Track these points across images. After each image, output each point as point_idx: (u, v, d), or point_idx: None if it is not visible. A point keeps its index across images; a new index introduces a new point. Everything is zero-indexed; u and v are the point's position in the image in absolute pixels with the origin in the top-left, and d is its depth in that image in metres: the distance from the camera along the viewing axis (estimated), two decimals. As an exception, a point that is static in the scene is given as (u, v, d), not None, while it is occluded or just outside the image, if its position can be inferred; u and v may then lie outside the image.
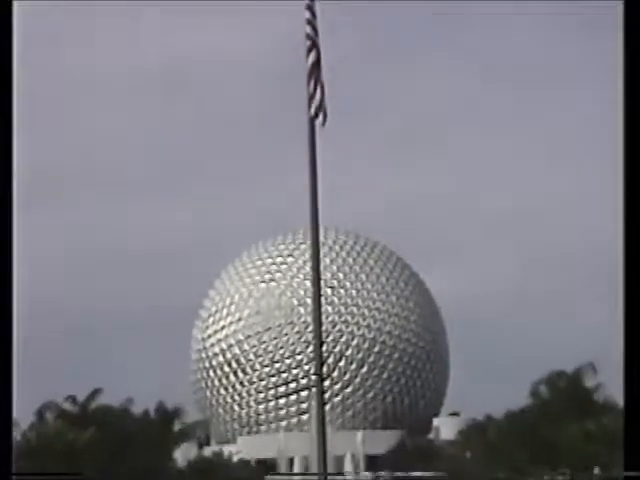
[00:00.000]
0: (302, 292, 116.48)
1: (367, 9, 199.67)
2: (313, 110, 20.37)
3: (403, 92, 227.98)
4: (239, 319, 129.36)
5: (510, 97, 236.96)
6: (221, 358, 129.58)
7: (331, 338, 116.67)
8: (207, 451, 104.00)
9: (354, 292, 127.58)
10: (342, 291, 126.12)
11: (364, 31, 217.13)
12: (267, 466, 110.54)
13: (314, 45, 20.87)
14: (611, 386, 63.55)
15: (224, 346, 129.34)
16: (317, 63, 20.73)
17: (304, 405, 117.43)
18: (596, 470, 59.32)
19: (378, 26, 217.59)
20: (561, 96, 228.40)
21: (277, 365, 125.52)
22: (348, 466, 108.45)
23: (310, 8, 21.10)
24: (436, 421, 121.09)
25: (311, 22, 21.06)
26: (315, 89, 20.51)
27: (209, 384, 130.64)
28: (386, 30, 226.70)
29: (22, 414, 78.15)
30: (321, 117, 20.31)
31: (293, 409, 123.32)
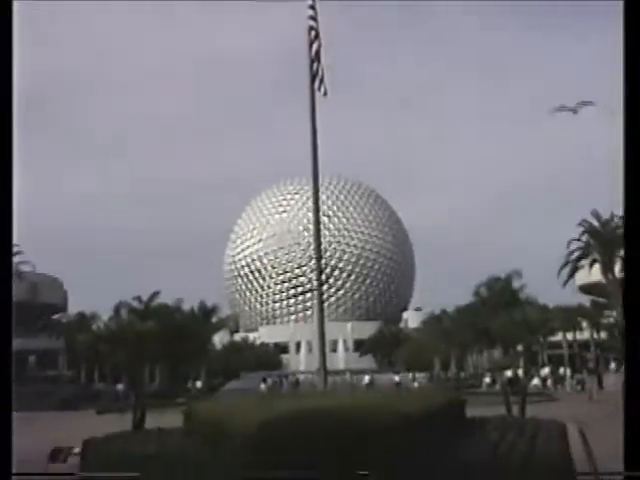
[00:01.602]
0: (305, 220, 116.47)
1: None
2: (317, 85, 20.63)
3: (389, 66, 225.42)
4: (259, 240, 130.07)
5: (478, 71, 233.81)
6: (247, 269, 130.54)
7: (328, 254, 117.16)
8: (237, 337, 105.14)
9: (344, 220, 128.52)
10: (336, 219, 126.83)
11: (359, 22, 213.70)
12: (281, 347, 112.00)
13: (317, 36, 21.00)
14: (531, 287, 64.31)
15: (249, 260, 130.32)
16: (318, 51, 20.89)
17: (308, 303, 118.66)
18: (519, 347, 60.15)
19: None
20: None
21: (288, 274, 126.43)
22: (340, 346, 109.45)
23: (312, 7, 21.17)
24: (405, 314, 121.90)
25: (313, 17, 21.13)
26: (317, 70, 20.72)
27: (238, 288, 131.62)
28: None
29: (103, 310, 79.38)
30: (323, 90, 20.60)
31: (300, 306, 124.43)
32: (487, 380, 55.62)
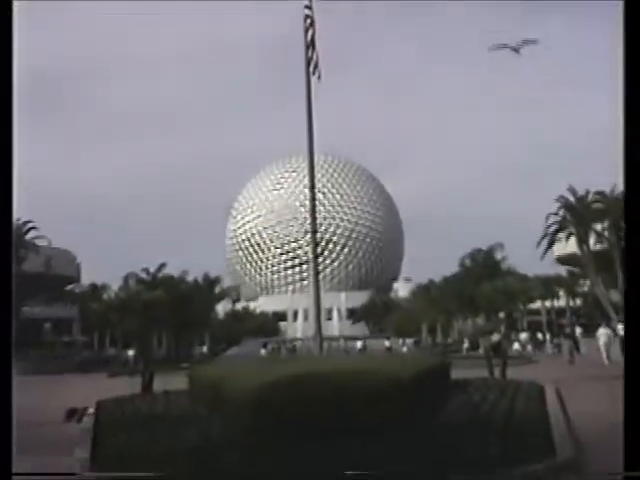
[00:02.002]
0: (302, 197, 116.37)
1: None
2: (312, 69, 20.47)
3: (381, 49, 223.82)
4: (259, 216, 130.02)
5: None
6: (247, 243, 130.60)
7: (323, 229, 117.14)
8: (238, 306, 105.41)
9: (338, 197, 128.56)
10: (330, 196, 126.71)
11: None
12: (279, 316, 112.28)
13: (312, 24, 20.81)
14: (512, 258, 64.63)
15: (249, 234, 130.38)
16: (313, 38, 20.71)
17: (304, 274, 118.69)
18: (501, 314, 60.43)
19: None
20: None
21: (285, 247, 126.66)
22: (335, 315, 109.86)
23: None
24: (395, 284, 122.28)
25: (309, 6, 20.92)
26: (312, 55, 20.55)
27: (239, 260, 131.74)
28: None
29: (113, 280, 79.54)
30: (317, 74, 20.45)
31: (297, 277, 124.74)
32: (466, 345, 55.77)
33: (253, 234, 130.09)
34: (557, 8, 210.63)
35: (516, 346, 54.20)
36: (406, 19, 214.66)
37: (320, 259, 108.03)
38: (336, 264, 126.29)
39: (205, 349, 67.46)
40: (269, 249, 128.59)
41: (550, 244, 56.23)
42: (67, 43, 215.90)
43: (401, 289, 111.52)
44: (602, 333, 32.63)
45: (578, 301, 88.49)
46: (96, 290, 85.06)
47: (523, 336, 60.56)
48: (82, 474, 4.83)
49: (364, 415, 9.60)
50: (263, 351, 52.99)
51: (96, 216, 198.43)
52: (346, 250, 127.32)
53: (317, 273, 22.14)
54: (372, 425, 9.46)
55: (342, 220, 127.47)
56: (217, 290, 75.64)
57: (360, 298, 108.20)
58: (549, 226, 55.69)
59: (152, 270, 67.45)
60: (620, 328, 34.24)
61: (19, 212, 62.74)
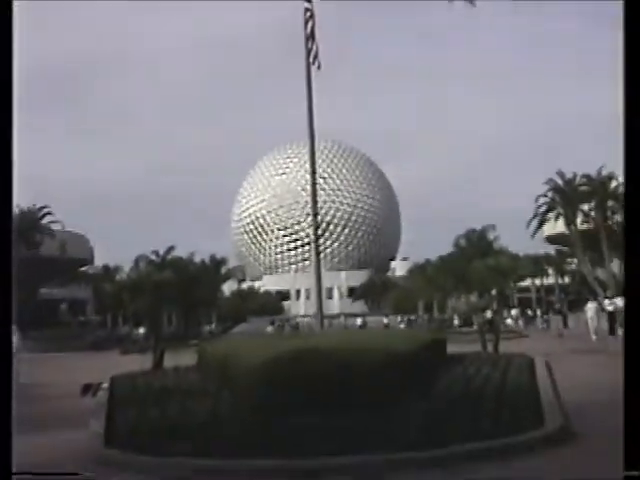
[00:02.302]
0: (304, 181, 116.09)
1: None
2: (312, 59, 20.34)
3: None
4: (263, 200, 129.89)
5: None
6: (251, 225, 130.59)
7: (323, 211, 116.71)
8: (243, 286, 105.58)
9: (338, 181, 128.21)
10: (330, 181, 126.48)
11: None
12: (282, 295, 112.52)
13: (311, 16, 20.64)
14: (504, 238, 64.72)
15: (253, 218, 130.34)
16: (312, 29, 20.56)
17: (306, 255, 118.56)
18: (493, 291, 60.44)
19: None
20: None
21: (288, 229, 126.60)
22: (335, 293, 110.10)
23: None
24: (393, 264, 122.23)
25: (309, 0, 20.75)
26: (312, 46, 20.41)
27: (244, 242, 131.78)
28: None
29: (125, 262, 79.69)
30: (317, 64, 20.32)
31: (299, 257, 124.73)
32: (456, 322, 55.60)
33: (257, 217, 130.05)
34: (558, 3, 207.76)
35: (509, 321, 54.36)
36: (406, 8, 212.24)
37: (321, 240, 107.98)
38: (336, 245, 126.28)
39: (212, 327, 67.63)
40: (272, 231, 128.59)
41: (540, 224, 56.34)
42: (71, 40, 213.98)
43: (398, 268, 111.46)
44: (590, 308, 32.68)
45: (566, 278, 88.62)
46: (109, 272, 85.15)
47: (514, 312, 60.72)
48: (82, 474, 4.68)
49: (364, 388, 9.64)
50: (270, 328, 53.09)
51: (108, 202, 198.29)
52: (346, 231, 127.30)
53: (318, 254, 22.16)
54: (372, 397, 9.50)
55: (342, 203, 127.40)
56: (223, 271, 75.68)
57: (359, 277, 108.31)
58: (539, 207, 55.78)
59: (161, 252, 67.51)
60: (606, 303, 34.29)
61: (36, 199, 62.76)
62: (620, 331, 32.40)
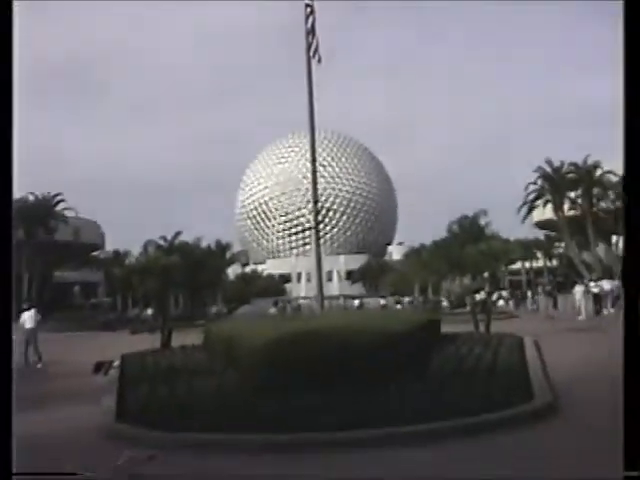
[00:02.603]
0: (304, 169, 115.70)
1: None
2: (312, 53, 20.24)
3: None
4: (265, 187, 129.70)
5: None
6: (254, 212, 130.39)
7: (323, 198, 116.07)
8: (247, 269, 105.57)
9: (337, 169, 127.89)
10: (330, 169, 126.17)
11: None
12: (284, 278, 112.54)
13: (312, 12, 20.52)
14: (495, 223, 64.75)
15: (257, 204, 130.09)
16: (313, 25, 20.44)
17: (307, 240, 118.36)
18: (485, 274, 60.41)
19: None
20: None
21: (290, 215, 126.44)
22: (335, 276, 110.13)
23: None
24: (390, 248, 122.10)
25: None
26: (312, 41, 20.30)
27: (247, 228, 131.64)
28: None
29: (134, 247, 79.80)
30: (317, 58, 20.22)
31: (300, 242, 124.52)
32: (445, 303, 55.37)
33: (260, 204, 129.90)
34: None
35: (500, 303, 54.33)
36: (405, 4, 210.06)
37: (321, 226, 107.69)
38: (336, 230, 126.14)
39: (218, 308, 67.71)
40: (275, 217, 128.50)
41: (529, 210, 56.50)
42: (77, 35, 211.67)
43: (395, 253, 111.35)
44: (578, 291, 32.70)
45: (554, 262, 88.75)
46: (119, 256, 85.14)
47: (505, 294, 60.69)
48: (83, 474, 4.52)
49: (362, 365, 9.66)
50: (274, 309, 53.03)
51: (119, 190, 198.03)
52: (345, 217, 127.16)
53: (318, 238, 22.20)
54: (369, 374, 9.52)
55: (341, 190, 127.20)
56: (228, 255, 75.70)
57: (358, 261, 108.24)
58: (528, 194, 55.92)
59: (169, 237, 67.56)
60: (592, 286, 34.32)
61: (50, 186, 62.66)
62: (605, 311, 32.52)
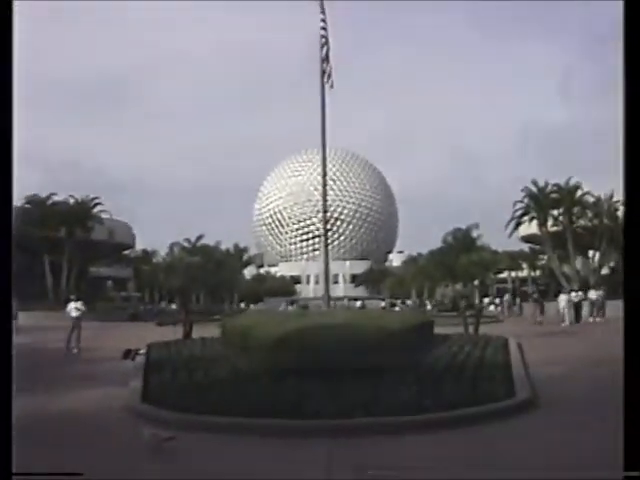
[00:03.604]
0: (316, 182, 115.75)
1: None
2: (326, 78, 20.31)
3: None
4: (280, 197, 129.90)
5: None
6: (269, 219, 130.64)
7: (332, 209, 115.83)
8: (262, 271, 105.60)
9: (345, 183, 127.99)
10: (339, 182, 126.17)
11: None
12: (295, 279, 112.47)
13: (326, 42, 20.57)
14: (486, 236, 64.48)
15: (272, 212, 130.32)
16: (327, 53, 20.48)
17: (316, 246, 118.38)
18: (475, 282, 60.15)
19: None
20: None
21: (301, 224, 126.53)
22: (341, 279, 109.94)
23: (323, 20, 20.64)
24: (390, 256, 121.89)
25: (324, 27, 20.65)
26: (327, 67, 20.35)
27: (263, 233, 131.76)
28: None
29: (160, 247, 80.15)
30: (330, 83, 20.28)
31: (310, 248, 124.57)
32: (428, 307, 54.75)
33: (275, 212, 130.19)
34: (554, 7, 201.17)
35: (491, 308, 54.09)
36: (406, 20, 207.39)
37: (329, 234, 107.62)
38: (342, 238, 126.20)
39: (234, 305, 67.72)
40: (287, 225, 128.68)
41: (516, 225, 56.66)
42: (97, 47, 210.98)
43: (395, 260, 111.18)
44: (562, 299, 32.49)
45: (537, 272, 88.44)
46: (147, 255, 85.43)
47: (497, 300, 60.18)
48: (83, 475, 4.34)
49: (362, 358, 9.66)
50: (288, 307, 52.54)
51: (149, 196, 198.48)
52: (351, 227, 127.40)
53: (327, 245, 22.31)
54: (368, 367, 9.53)
55: (348, 202, 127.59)
56: (245, 257, 75.98)
57: (361, 266, 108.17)
58: (515, 211, 56.18)
59: (192, 240, 67.88)
60: (572, 295, 34.11)
61: (86, 189, 62.81)
62: (591, 319, 32.37)
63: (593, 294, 34.47)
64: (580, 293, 35.41)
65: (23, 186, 55.22)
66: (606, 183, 48.88)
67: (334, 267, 79.09)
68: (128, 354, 13.97)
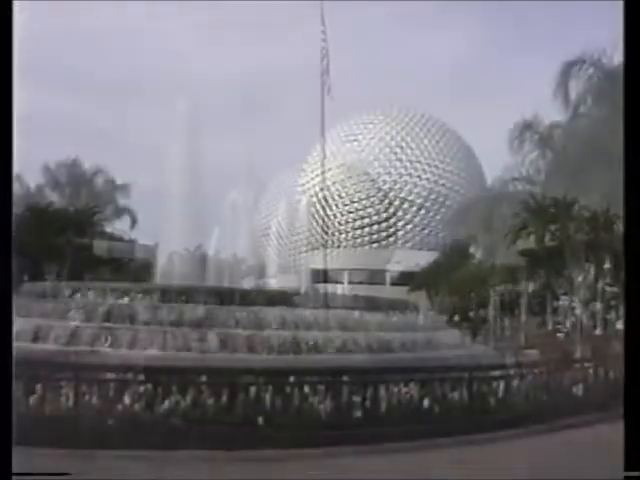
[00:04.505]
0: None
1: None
2: (326, 90, 20.31)
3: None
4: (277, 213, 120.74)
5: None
6: (268, 231, 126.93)
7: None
8: (260, 282, 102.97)
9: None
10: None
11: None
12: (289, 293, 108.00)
13: (327, 54, 20.58)
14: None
15: (268, 226, 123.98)
16: (327, 66, 20.51)
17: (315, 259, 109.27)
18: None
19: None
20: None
21: (299, 235, 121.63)
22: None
23: (323, 32, 20.65)
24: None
25: (324, 39, 20.63)
26: (327, 79, 20.34)
27: (261, 244, 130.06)
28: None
29: (160, 257, 79.71)
30: (330, 95, 20.31)
31: (308, 262, 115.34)
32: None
33: (271, 226, 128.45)
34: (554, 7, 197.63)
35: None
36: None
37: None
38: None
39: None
40: (287, 237, 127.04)
41: (514, 240, 57.12)
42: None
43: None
44: (562, 309, 32.83)
45: (535, 285, 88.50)
46: (149, 266, 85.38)
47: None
48: (82, 475, 4.23)
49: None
50: None
51: (150, 209, 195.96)
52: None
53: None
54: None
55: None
56: (242, 267, 75.63)
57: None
58: (513, 225, 56.76)
59: (191, 249, 67.98)
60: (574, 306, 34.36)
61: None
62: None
63: (596, 305, 34.11)
64: (594, 304, 34.93)
65: (23, 185, 55.64)
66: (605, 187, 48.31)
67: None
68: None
